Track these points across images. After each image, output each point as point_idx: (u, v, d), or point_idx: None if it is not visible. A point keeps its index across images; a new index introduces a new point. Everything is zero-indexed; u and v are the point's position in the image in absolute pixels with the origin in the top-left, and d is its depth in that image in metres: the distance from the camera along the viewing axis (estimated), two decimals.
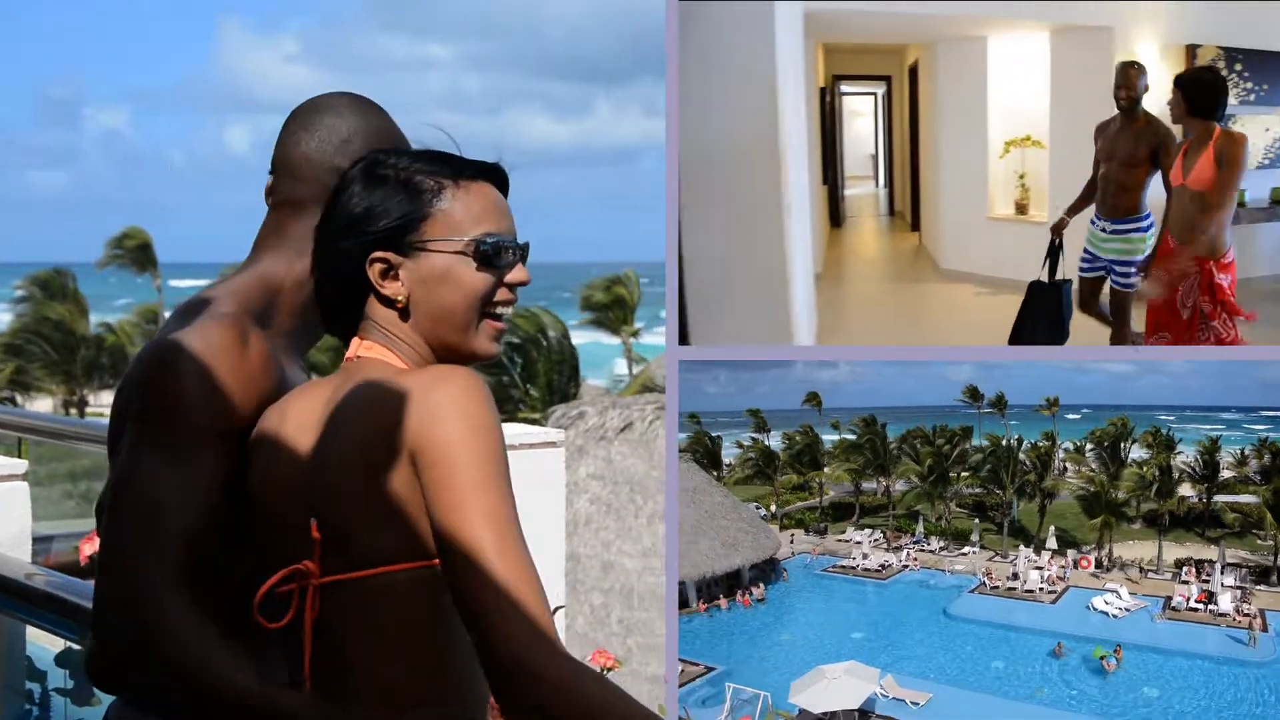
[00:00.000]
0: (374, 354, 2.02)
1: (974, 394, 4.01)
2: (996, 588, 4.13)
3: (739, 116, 4.02)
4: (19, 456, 6.57)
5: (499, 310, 2.04)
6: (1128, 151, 4.15)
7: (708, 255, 3.87)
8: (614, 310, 45.29)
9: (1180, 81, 4.02)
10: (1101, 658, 3.87)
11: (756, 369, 3.91)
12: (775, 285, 4.11)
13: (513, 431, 7.43)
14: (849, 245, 4.83)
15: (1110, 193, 4.21)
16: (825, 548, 4.21)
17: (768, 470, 4.16)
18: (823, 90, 4.56)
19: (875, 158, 4.78)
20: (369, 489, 1.88)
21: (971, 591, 4.13)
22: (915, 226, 4.73)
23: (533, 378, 34.11)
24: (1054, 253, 4.23)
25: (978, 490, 4.20)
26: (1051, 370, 4.02)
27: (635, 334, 44.91)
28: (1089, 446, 4.14)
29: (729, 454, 4.14)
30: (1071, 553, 4.09)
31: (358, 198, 2.01)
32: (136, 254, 49.37)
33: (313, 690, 1.95)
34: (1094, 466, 4.13)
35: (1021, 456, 4.17)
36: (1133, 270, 4.16)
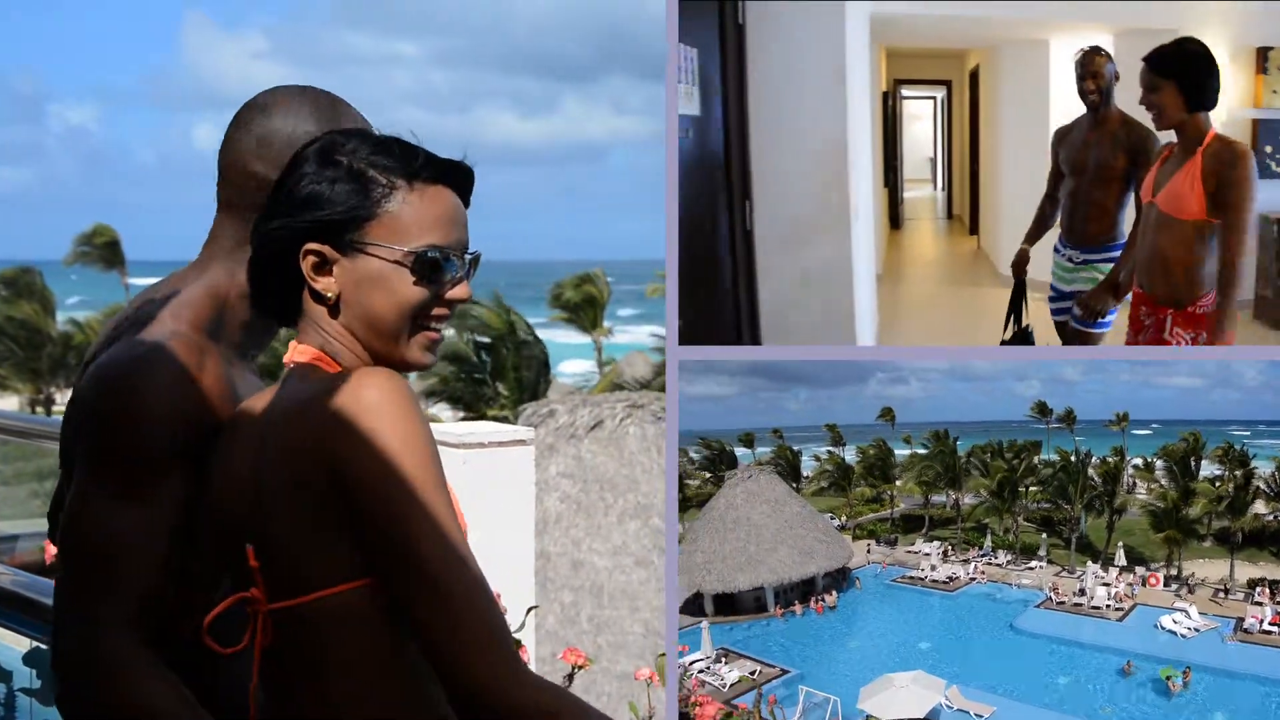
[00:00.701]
0: (306, 359, 1.91)
1: (1043, 409, 3.89)
2: (1063, 603, 4.07)
3: (810, 119, 3.95)
4: None
5: (433, 324, 1.92)
6: (1102, 161, 3.67)
7: (779, 257, 3.80)
8: (585, 309, 45.24)
9: (1166, 65, 3.23)
10: (1168, 678, 3.79)
11: (832, 385, 3.84)
12: (839, 287, 4.04)
13: (483, 429, 7.45)
14: (908, 248, 4.77)
15: (1080, 214, 3.73)
16: (895, 558, 4.20)
17: (842, 483, 4.11)
18: (884, 94, 4.49)
19: (934, 161, 4.71)
20: (297, 512, 1.78)
21: (1038, 606, 4.08)
22: (974, 230, 4.67)
23: (502, 375, 34.01)
24: (1017, 296, 3.78)
25: (1046, 505, 4.13)
26: (1121, 385, 3.92)
27: (608, 333, 44.92)
28: (1159, 462, 4.05)
29: (807, 467, 4.10)
30: (1140, 570, 4.01)
31: (306, 180, 1.89)
32: (104, 251, 48.91)
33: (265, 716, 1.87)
34: (1164, 482, 4.04)
35: (1090, 472, 4.09)
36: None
